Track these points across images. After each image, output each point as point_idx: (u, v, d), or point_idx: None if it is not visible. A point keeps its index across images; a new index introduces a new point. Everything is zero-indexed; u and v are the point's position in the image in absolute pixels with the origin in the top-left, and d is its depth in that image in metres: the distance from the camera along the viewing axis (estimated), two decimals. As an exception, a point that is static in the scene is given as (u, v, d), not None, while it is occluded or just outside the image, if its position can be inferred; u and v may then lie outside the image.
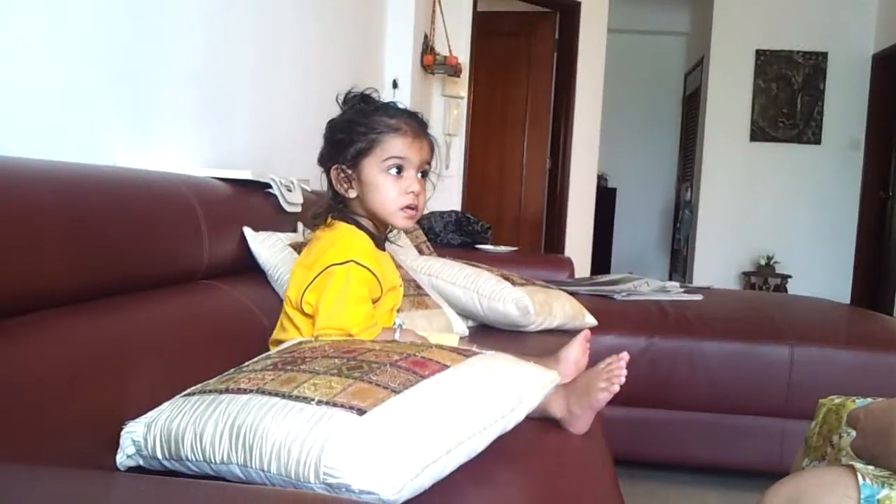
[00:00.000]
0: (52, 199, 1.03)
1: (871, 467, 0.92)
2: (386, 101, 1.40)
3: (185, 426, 0.89)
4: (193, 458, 0.87)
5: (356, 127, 1.33)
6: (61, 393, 0.92)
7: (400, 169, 1.33)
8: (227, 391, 0.92)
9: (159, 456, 0.90)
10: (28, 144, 1.19)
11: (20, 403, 0.85)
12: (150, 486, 0.73)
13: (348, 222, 1.36)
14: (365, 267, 1.29)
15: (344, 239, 1.33)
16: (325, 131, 1.38)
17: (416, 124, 1.36)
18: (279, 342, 1.26)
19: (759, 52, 6.64)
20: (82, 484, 0.70)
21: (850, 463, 0.94)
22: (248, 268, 1.63)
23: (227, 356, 1.15)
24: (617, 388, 1.20)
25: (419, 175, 1.35)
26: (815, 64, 6.59)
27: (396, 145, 1.32)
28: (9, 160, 1.02)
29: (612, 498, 1.08)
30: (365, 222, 1.38)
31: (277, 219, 1.79)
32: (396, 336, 1.32)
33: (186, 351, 1.20)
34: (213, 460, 0.85)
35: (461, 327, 1.98)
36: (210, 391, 0.94)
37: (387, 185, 1.32)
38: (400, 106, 1.38)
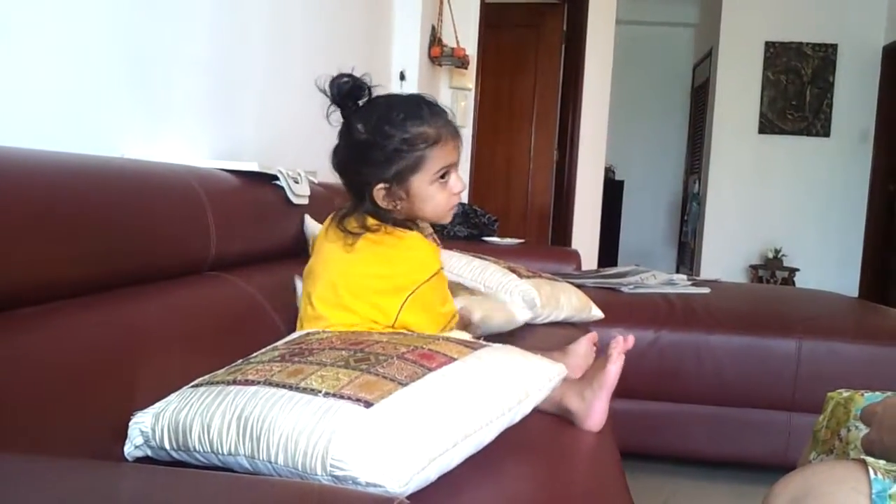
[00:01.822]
0: (59, 190, 1.03)
1: (882, 462, 0.91)
2: (396, 95, 1.35)
3: (192, 417, 0.89)
4: (201, 450, 0.87)
5: (393, 145, 1.27)
6: (69, 384, 0.92)
7: (447, 174, 1.32)
8: (234, 382, 0.92)
9: (167, 447, 0.91)
10: (36, 136, 1.19)
11: (29, 395, 0.85)
12: (158, 476, 0.74)
13: (408, 228, 1.34)
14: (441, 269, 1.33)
15: (421, 251, 1.32)
16: (345, 141, 1.32)
17: (450, 125, 1.33)
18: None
19: (768, 44, 6.61)
20: (90, 474, 0.71)
21: (861, 457, 0.94)
22: (255, 259, 1.63)
23: (235, 347, 1.15)
24: (622, 358, 1.21)
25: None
26: (824, 56, 6.55)
27: (443, 156, 1.30)
28: (16, 151, 1.02)
29: (618, 491, 1.08)
30: (418, 223, 1.37)
31: (284, 211, 1.79)
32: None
33: (193, 342, 1.20)
34: (220, 451, 0.86)
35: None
36: (218, 382, 0.94)
37: (439, 194, 1.32)
38: (413, 97, 1.34)
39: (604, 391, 1.22)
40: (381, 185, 1.29)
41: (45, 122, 1.28)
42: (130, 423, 0.94)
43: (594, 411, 1.22)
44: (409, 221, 1.35)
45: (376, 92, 1.33)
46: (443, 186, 1.32)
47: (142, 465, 0.91)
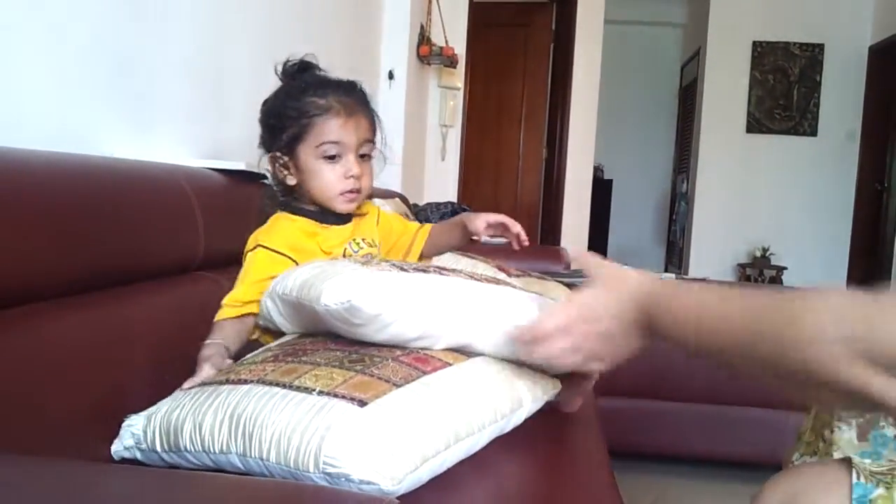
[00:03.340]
0: (46, 189, 1.02)
1: (868, 461, 0.91)
2: (321, 73, 1.32)
3: (184, 416, 0.88)
4: (192, 449, 0.87)
5: (287, 111, 1.25)
6: (58, 384, 0.91)
7: (336, 154, 1.25)
8: (227, 382, 0.92)
9: (159, 449, 0.90)
10: (23, 135, 1.18)
11: (15, 396, 0.85)
12: (147, 477, 0.73)
13: (289, 211, 1.31)
14: (272, 250, 1.25)
15: (264, 227, 1.29)
16: (260, 114, 1.30)
17: (351, 100, 1.26)
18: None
19: (755, 44, 6.64)
20: (79, 476, 0.70)
21: (849, 456, 0.93)
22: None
23: (224, 347, 1.15)
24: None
25: (359, 156, 1.27)
26: (811, 55, 6.59)
27: (329, 128, 1.23)
28: (3, 150, 1.01)
29: (607, 489, 1.08)
30: (309, 207, 1.31)
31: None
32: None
33: (181, 343, 1.19)
34: (212, 450, 0.85)
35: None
36: (210, 383, 0.94)
37: (324, 170, 1.25)
38: (332, 78, 1.29)
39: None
40: (272, 154, 1.28)
41: (31, 121, 1.27)
42: (122, 426, 0.93)
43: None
44: (311, 206, 1.30)
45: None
46: (333, 166, 1.25)
47: (131, 466, 0.90)
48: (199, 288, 1.39)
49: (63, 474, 0.69)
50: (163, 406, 0.93)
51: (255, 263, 1.23)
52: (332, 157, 1.25)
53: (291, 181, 1.28)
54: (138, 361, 1.08)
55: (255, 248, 1.25)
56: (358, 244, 1.32)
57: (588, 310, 0.96)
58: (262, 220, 1.31)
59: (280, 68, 1.30)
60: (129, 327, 1.10)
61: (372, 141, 1.29)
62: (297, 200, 1.30)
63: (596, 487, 1.08)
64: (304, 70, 1.30)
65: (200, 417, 0.87)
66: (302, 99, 1.24)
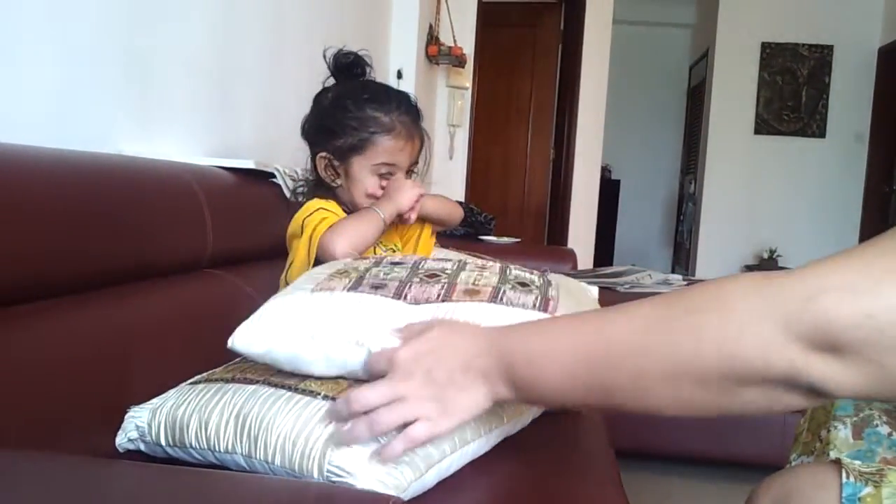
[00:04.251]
0: (53, 187, 1.03)
1: (857, 462, 0.91)
2: (381, 84, 1.33)
3: (190, 413, 0.89)
4: (197, 446, 0.87)
5: (347, 120, 1.27)
6: (65, 381, 0.92)
7: (388, 172, 1.29)
8: (233, 380, 0.92)
9: (162, 442, 0.90)
10: (32, 133, 1.19)
11: (24, 392, 0.85)
12: (152, 473, 0.74)
13: (325, 198, 1.33)
14: (332, 212, 1.27)
15: (310, 202, 1.31)
16: (314, 105, 1.32)
17: (410, 120, 1.29)
18: None
19: (764, 45, 6.62)
20: (86, 471, 0.71)
21: (839, 457, 0.93)
22: (251, 257, 1.63)
23: (231, 345, 1.15)
24: None
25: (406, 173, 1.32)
26: (820, 57, 6.57)
27: (390, 150, 1.27)
28: (11, 147, 1.02)
29: (613, 489, 1.08)
30: (345, 206, 1.34)
31: (281, 208, 1.78)
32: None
33: (189, 340, 1.20)
34: (217, 449, 0.85)
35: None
36: (216, 380, 0.94)
37: (371, 182, 1.29)
38: (393, 90, 1.32)
39: None
40: (323, 154, 1.30)
41: (40, 118, 1.27)
42: (126, 416, 0.94)
43: None
44: (345, 205, 1.33)
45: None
46: (380, 180, 1.29)
47: (137, 463, 0.91)
48: (208, 286, 1.39)
49: (71, 470, 0.70)
50: (168, 400, 0.93)
51: (326, 222, 1.24)
52: (382, 175, 1.29)
53: (338, 183, 1.31)
54: (145, 359, 1.08)
55: (316, 210, 1.26)
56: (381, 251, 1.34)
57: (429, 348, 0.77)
58: (291, 206, 1.34)
59: (330, 56, 1.30)
60: (136, 325, 1.11)
61: (418, 161, 1.34)
62: (335, 197, 1.32)
63: (602, 487, 1.08)
64: (355, 66, 1.31)
65: (206, 416, 0.87)
66: (365, 110, 1.25)
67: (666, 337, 0.65)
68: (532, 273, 1.08)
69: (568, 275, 2.86)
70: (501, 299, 0.94)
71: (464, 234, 3.51)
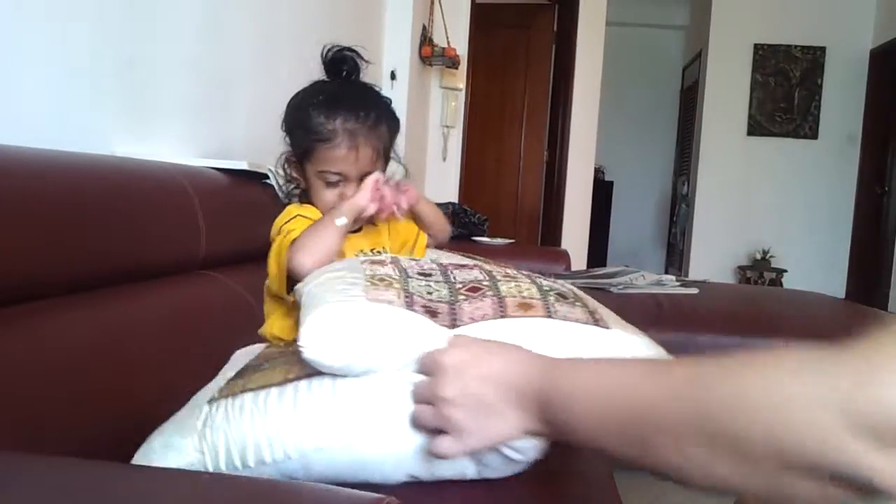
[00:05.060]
0: (47, 188, 1.03)
1: None
2: (354, 83, 1.28)
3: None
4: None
5: (297, 124, 1.23)
6: (58, 382, 0.92)
7: (337, 181, 1.23)
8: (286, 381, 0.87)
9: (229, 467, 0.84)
10: (25, 134, 1.19)
11: (17, 393, 0.85)
12: (149, 475, 0.73)
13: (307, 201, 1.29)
14: (308, 217, 1.23)
15: (290, 207, 1.28)
16: (287, 106, 1.28)
17: (358, 125, 1.21)
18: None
19: (757, 47, 6.64)
20: (83, 474, 0.70)
21: None
22: (244, 258, 1.63)
23: (225, 347, 1.15)
24: None
25: (359, 179, 1.23)
26: (812, 58, 6.60)
27: (331, 159, 1.21)
28: (5, 149, 1.02)
29: (606, 488, 1.09)
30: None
31: (275, 209, 1.78)
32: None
33: (183, 341, 1.20)
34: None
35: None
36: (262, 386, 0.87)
37: (325, 193, 1.24)
38: (347, 94, 1.24)
39: None
40: (287, 156, 1.28)
41: (34, 120, 1.27)
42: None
43: None
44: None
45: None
46: (331, 189, 1.23)
47: (136, 466, 0.90)
48: (201, 287, 1.40)
49: (70, 473, 0.70)
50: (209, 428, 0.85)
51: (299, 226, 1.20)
52: (331, 183, 1.23)
53: (302, 185, 1.29)
54: (140, 360, 1.08)
55: (293, 217, 1.22)
56: (365, 254, 1.31)
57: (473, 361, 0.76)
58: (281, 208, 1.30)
59: (324, 51, 1.26)
60: (130, 326, 1.11)
61: (376, 167, 1.24)
62: (311, 202, 1.30)
63: (594, 486, 1.08)
64: (342, 63, 1.26)
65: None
66: (312, 116, 1.21)
67: (716, 400, 0.60)
68: (548, 279, 1.06)
69: (561, 276, 2.86)
70: (556, 313, 0.91)
71: (457, 235, 3.51)
